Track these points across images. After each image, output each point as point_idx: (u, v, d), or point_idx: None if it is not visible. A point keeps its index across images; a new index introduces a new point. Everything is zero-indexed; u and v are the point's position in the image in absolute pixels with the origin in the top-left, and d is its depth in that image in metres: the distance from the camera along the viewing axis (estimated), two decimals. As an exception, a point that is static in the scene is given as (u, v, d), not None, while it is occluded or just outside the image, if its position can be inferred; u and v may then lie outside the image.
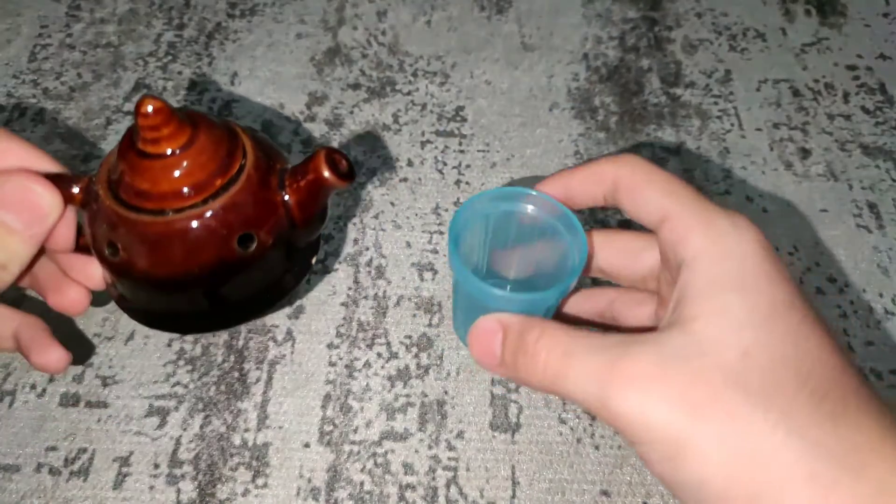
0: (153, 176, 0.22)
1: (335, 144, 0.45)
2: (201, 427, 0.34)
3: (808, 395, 0.18)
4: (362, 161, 0.44)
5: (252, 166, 0.24)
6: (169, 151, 0.23)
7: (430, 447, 0.34)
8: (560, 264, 0.26)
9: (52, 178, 0.24)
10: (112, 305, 0.38)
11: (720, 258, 0.20)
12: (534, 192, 0.26)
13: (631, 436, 0.19)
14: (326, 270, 0.40)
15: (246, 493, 0.33)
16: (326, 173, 0.24)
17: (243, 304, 0.26)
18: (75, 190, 0.25)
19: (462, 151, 0.45)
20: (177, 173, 0.23)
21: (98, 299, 0.27)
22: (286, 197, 0.25)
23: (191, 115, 0.24)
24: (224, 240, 0.24)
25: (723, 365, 0.18)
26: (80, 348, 0.36)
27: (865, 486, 0.17)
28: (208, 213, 0.23)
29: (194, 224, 0.23)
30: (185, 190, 0.23)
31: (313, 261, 0.28)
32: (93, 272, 0.27)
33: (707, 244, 0.20)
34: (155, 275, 0.24)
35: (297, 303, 0.38)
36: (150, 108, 0.22)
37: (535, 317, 0.22)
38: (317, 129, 0.46)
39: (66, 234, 0.25)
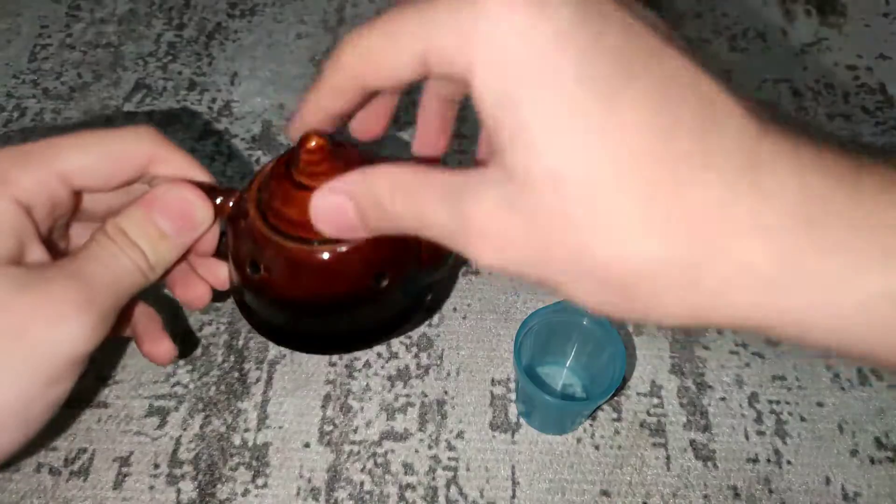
0: (304, 205, 0.23)
1: (335, 144, 0.45)
2: (201, 427, 0.34)
3: (633, 204, 0.15)
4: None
5: None
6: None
7: (430, 447, 0.34)
8: (603, 363, 0.32)
9: (207, 190, 0.25)
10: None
11: (492, 64, 0.16)
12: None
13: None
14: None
15: (246, 492, 0.33)
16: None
17: (362, 334, 0.28)
18: (223, 202, 0.26)
19: (462, 151, 0.45)
20: None
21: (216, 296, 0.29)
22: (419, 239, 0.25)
23: (344, 149, 0.25)
24: (360, 275, 0.25)
25: (543, 205, 0.16)
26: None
27: (719, 266, 0.15)
28: (350, 250, 0.24)
29: (336, 257, 0.24)
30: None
31: (427, 298, 0.30)
32: (219, 273, 0.28)
33: (472, 55, 0.16)
34: (290, 296, 0.26)
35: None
36: (313, 144, 0.23)
37: (375, 168, 0.20)
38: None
39: (209, 242, 0.26)
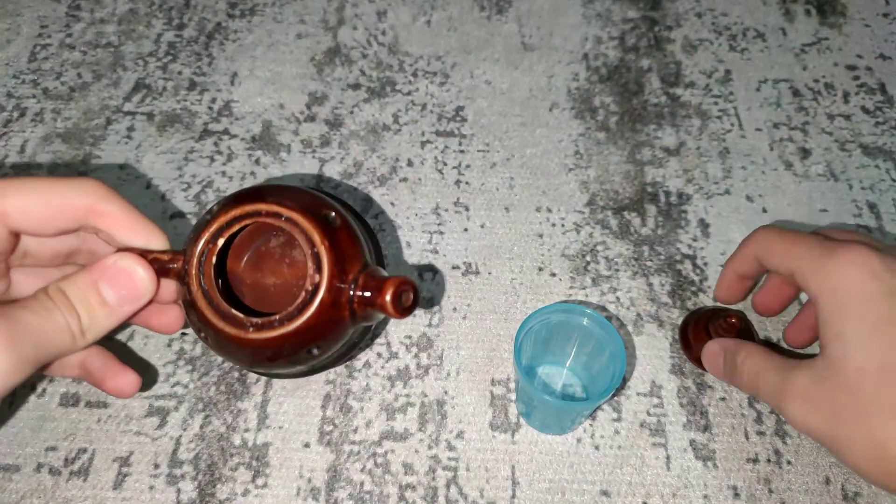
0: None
1: (335, 144, 0.45)
2: (201, 427, 0.34)
3: None
4: (362, 161, 0.44)
5: (326, 290, 0.26)
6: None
7: (430, 447, 0.34)
8: (603, 364, 0.33)
9: (156, 254, 0.26)
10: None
11: (830, 294, 0.27)
12: (587, 310, 0.32)
13: (801, 432, 0.30)
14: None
15: (246, 493, 0.33)
16: (389, 306, 0.26)
17: (308, 372, 0.33)
18: (173, 266, 0.27)
19: (462, 151, 0.45)
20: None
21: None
22: (353, 301, 0.27)
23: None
24: (294, 351, 0.27)
25: (846, 381, 0.25)
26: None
27: None
28: (284, 333, 0.26)
29: (270, 340, 0.26)
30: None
31: (360, 345, 0.33)
32: (174, 318, 0.29)
33: (819, 286, 0.28)
34: (238, 361, 0.29)
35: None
36: (734, 320, 0.34)
37: (745, 342, 0.32)
38: (317, 130, 0.46)
39: (168, 293, 0.28)
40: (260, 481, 0.33)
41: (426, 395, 0.36)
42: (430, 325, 0.38)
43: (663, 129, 0.46)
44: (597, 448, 0.34)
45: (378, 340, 0.37)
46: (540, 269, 0.40)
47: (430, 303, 0.39)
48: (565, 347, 0.35)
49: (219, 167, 0.44)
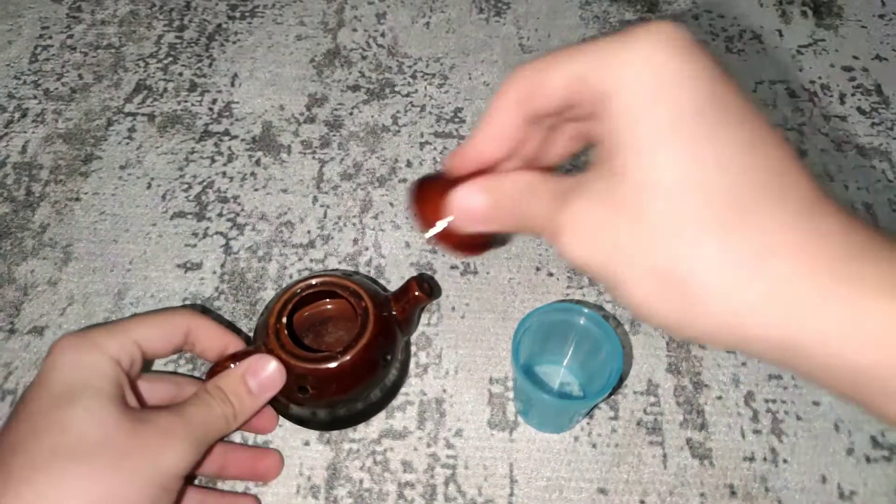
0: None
1: (335, 145, 0.45)
2: (202, 425, 0.35)
3: (710, 211, 0.19)
4: (361, 162, 0.45)
5: (373, 309, 0.34)
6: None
7: (428, 445, 0.34)
8: (600, 362, 0.32)
9: (242, 353, 0.33)
10: (114, 304, 0.38)
11: (622, 91, 0.20)
12: (585, 309, 0.32)
13: (585, 273, 0.23)
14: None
15: (246, 490, 0.33)
16: (419, 293, 0.34)
17: (389, 393, 0.36)
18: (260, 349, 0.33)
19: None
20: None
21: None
22: (394, 313, 0.35)
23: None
24: (375, 362, 0.33)
25: (632, 202, 0.19)
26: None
27: (761, 285, 0.18)
28: (362, 349, 0.32)
29: (357, 359, 0.32)
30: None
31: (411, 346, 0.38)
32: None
33: (620, 74, 0.20)
34: (337, 396, 0.33)
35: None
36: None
37: (510, 175, 0.24)
38: (316, 131, 0.46)
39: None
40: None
41: (425, 394, 0.36)
42: (428, 324, 0.38)
43: (661, 130, 0.46)
44: (594, 446, 0.34)
45: (377, 339, 0.37)
46: (538, 269, 0.40)
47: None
48: (563, 346, 0.35)
49: (219, 168, 0.44)
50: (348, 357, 0.32)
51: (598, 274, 0.21)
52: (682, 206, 0.19)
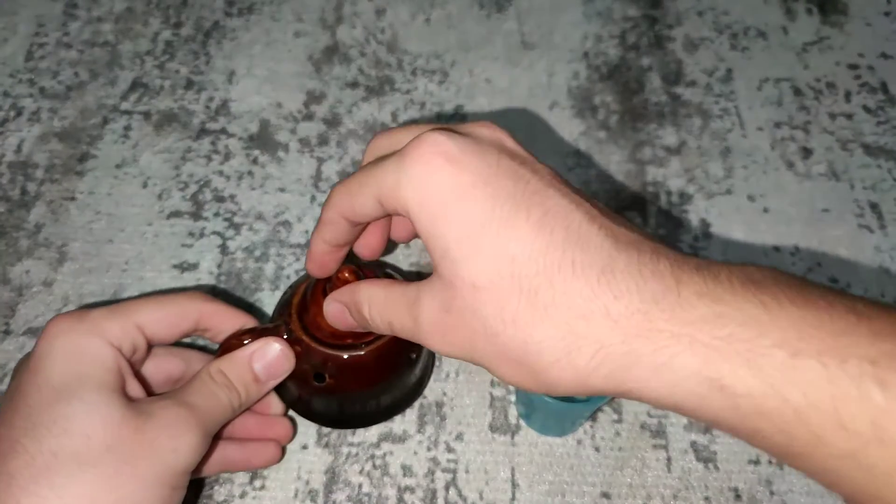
0: None
1: (333, 143, 0.45)
2: (198, 429, 0.34)
3: (526, 299, 0.21)
4: (360, 160, 0.44)
5: None
6: None
7: (429, 449, 0.34)
8: None
9: (258, 331, 0.30)
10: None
11: (421, 200, 0.23)
12: None
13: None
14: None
15: (244, 495, 0.32)
16: None
17: (408, 395, 0.34)
18: (283, 336, 0.31)
19: (461, 151, 0.45)
20: None
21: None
22: None
23: (361, 270, 0.30)
24: (401, 357, 0.32)
25: (466, 305, 0.22)
26: None
27: (587, 352, 0.21)
28: (386, 343, 0.30)
29: (381, 352, 0.30)
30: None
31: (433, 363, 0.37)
32: (284, 429, 0.33)
33: (408, 197, 0.23)
34: (355, 390, 0.32)
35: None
36: (347, 276, 0.29)
37: (360, 288, 0.27)
38: (315, 128, 0.46)
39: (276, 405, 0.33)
40: (258, 483, 0.33)
41: (425, 397, 0.35)
42: (429, 325, 0.38)
43: (664, 129, 0.46)
44: (597, 450, 0.34)
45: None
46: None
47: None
48: None
49: (216, 166, 0.44)
50: (374, 347, 0.30)
51: (465, 360, 0.23)
52: (505, 302, 0.21)
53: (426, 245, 0.23)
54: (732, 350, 0.19)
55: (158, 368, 0.31)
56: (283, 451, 0.33)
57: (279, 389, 0.31)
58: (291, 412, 0.34)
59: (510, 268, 0.21)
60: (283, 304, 0.32)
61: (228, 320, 0.31)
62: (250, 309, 0.38)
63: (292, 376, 0.30)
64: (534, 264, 0.21)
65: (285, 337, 0.30)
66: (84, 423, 0.25)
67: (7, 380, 0.35)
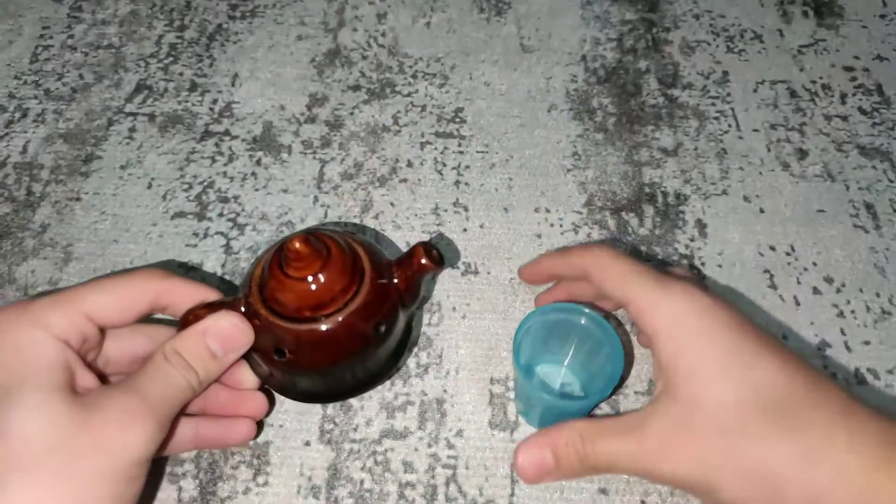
0: (303, 293, 0.29)
1: (335, 145, 0.45)
2: (202, 426, 0.35)
3: (770, 419, 0.24)
4: (362, 162, 0.45)
5: (371, 270, 0.30)
6: (312, 275, 0.29)
7: (429, 445, 0.34)
8: (601, 362, 0.32)
9: (217, 305, 0.29)
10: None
11: (672, 331, 0.26)
12: (585, 309, 0.32)
13: (675, 487, 0.28)
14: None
15: (247, 491, 0.33)
16: (425, 261, 0.31)
17: (378, 372, 0.33)
18: (241, 310, 0.30)
19: (461, 152, 0.45)
20: (320, 288, 0.29)
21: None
22: (395, 281, 0.32)
23: (321, 240, 0.29)
24: (364, 331, 0.30)
25: (708, 420, 0.25)
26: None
27: (827, 469, 0.23)
28: (350, 315, 0.29)
29: (342, 324, 0.29)
30: (329, 300, 0.29)
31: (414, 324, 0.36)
32: (260, 403, 0.32)
33: (659, 322, 0.27)
34: (317, 365, 0.30)
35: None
36: (297, 245, 0.28)
37: (567, 424, 0.28)
38: (317, 131, 0.46)
39: (249, 378, 0.32)
40: (261, 479, 0.33)
41: (426, 394, 0.36)
42: (429, 324, 0.38)
43: (661, 130, 0.46)
44: (595, 446, 0.34)
45: (378, 340, 0.37)
46: (539, 269, 0.40)
47: (430, 303, 0.39)
48: (563, 346, 0.35)
49: (220, 168, 0.44)
50: (334, 321, 0.29)
51: (691, 485, 0.25)
52: (747, 417, 0.24)
53: (666, 365, 0.26)
54: None
55: (122, 349, 0.29)
56: (260, 426, 0.32)
57: (250, 363, 0.30)
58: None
59: (762, 393, 0.24)
60: (246, 277, 0.31)
61: (188, 295, 0.30)
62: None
63: (256, 351, 0.29)
64: (779, 391, 0.24)
65: (243, 310, 0.29)
66: (24, 426, 0.23)
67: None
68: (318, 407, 0.35)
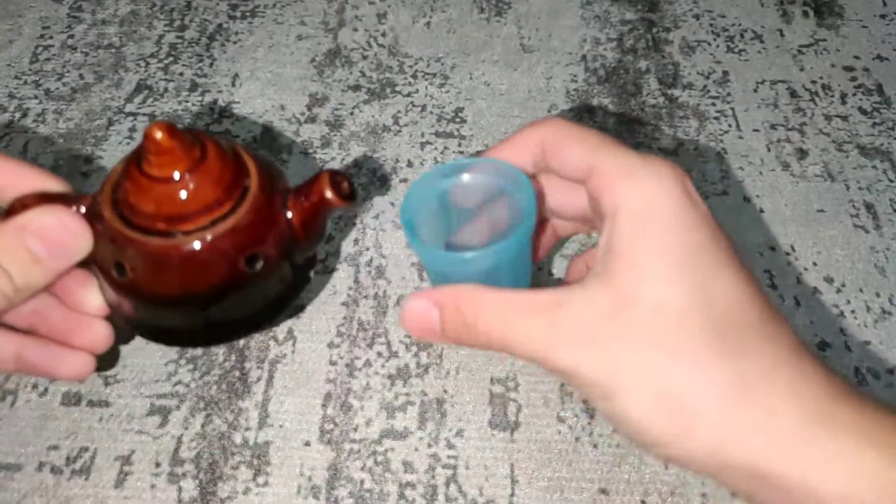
0: (160, 198, 0.23)
1: (335, 145, 0.45)
2: (202, 426, 0.35)
3: (711, 336, 0.20)
4: (362, 162, 0.45)
5: (257, 188, 0.25)
6: (176, 175, 0.23)
7: (429, 445, 0.34)
8: (518, 219, 0.26)
9: (60, 198, 0.25)
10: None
11: (638, 212, 0.21)
12: (476, 160, 0.26)
13: (569, 382, 0.22)
14: (327, 270, 0.40)
15: (247, 491, 0.33)
16: (329, 195, 0.25)
17: (247, 320, 0.27)
18: (80, 210, 0.25)
19: (461, 152, 0.45)
20: (184, 195, 0.23)
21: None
22: (289, 215, 0.26)
23: (197, 137, 0.24)
24: (233, 260, 0.24)
25: (640, 318, 0.20)
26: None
27: (754, 412, 0.19)
28: (217, 235, 0.24)
29: (204, 246, 0.24)
30: (194, 212, 0.24)
31: (311, 273, 0.30)
32: (100, 331, 0.27)
33: (626, 197, 0.22)
34: (164, 295, 0.25)
35: (298, 302, 0.39)
36: (158, 135, 0.23)
37: (461, 284, 0.23)
38: (317, 131, 0.46)
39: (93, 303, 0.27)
40: (261, 479, 0.33)
41: (426, 394, 0.36)
42: (429, 324, 0.38)
43: (661, 130, 0.46)
44: (595, 446, 0.34)
45: (378, 339, 0.37)
46: (539, 269, 0.40)
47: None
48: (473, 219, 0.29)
49: (220, 168, 0.44)
50: (194, 239, 0.23)
51: (590, 383, 0.21)
52: (686, 329, 0.20)
53: (612, 248, 0.21)
54: None
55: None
56: (99, 363, 0.28)
57: (100, 284, 0.25)
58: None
59: (709, 305, 0.20)
60: (106, 176, 0.26)
61: (22, 180, 0.25)
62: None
63: (96, 264, 0.24)
64: (734, 314, 0.20)
65: (84, 210, 0.25)
66: None
67: (12, 378, 0.36)
68: (318, 407, 0.35)
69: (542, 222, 0.30)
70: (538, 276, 0.40)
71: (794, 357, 0.20)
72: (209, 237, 0.24)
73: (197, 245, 0.23)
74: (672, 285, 0.20)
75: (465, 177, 0.27)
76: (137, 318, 0.27)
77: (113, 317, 0.28)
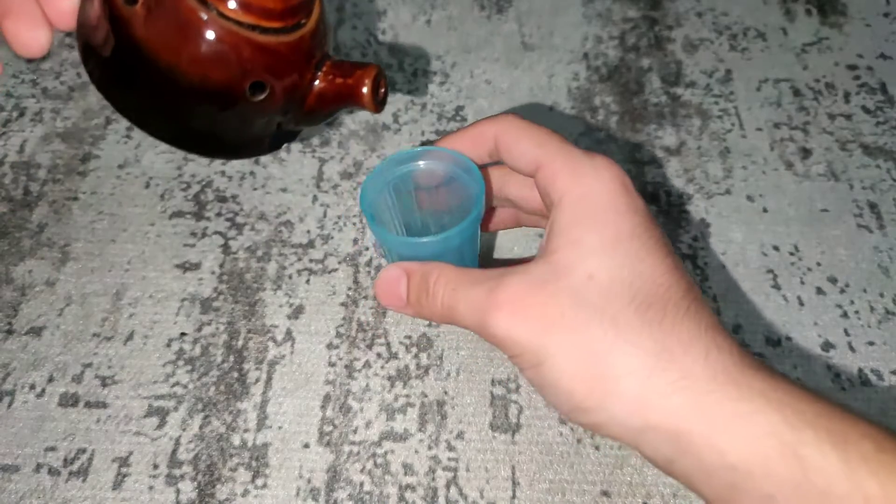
0: None
1: (335, 143, 0.45)
2: (201, 427, 0.34)
3: (635, 307, 0.22)
4: (361, 160, 0.44)
5: (309, 32, 0.23)
6: None
7: (429, 447, 0.34)
8: (468, 204, 0.29)
9: None
10: (112, 305, 0.38)
11: (579, 199, 0.24)
12: (430, 149, 0.28)
13: (504, 350, 0.24)
14: (326, 270, 0.40)
15: (245, 493, 0.33)
16: (365, 90, 0.24)
17: (209, 137, 0.25)
18: None
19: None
20: None
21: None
22: (316, 81, 0.24)
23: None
24: (241, 72, 0.22)
25: (571, 287, 0.23)
26: None
27: (672, 374, 0.21)
28: (243, 39, 0.21)
29: (228, 37, 0.21)
30: (243, 4, 0.21)
31: (283, 146, 0.28)
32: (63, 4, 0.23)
33: (569, 186, 0.25)
34: (155, 56, 0.21)
35: (297, 303, 0.38)
36: None
37: (432, 262, 0.26)
38: (316, 129, 0.46)
39: None
40: (259, 482, 0.33)
41: (426, 396, 0.35)
42: (429, 325, 0.38)
43: (664, 129, 0.46)
44: (597, 448, 0.34)
45: (378, 341, 0.37)
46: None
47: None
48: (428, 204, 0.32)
49: (218, 167, 0.44)
50: (222, 22, 0.21)
51: (520, 349, 0.23)
52: (612, 299, 0.22)
53: (553, 236, 0.24)
54: (822, 427, 0.20)
55: None
56: (51, 38, 0.23)
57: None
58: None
59: (637, 281, 0.23)
60: None
61: None
62: (253, 307, 0.38)
63: None
64: (656, 288, 0.23)
65: None
66: None
67: (9, 379, 0.36)
68: (317, 409, 0.35)
69: (490, 210, 0.33)
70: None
71: (710, 332, 0.23)
72: (238, 33, 0.21)
73: (223, 30, 0.21)
74: (603, 260, 0.23)
75: (421, 163, 0.29)
76: (102, 57, 0.22)
77: (76, 35, 0.23)
